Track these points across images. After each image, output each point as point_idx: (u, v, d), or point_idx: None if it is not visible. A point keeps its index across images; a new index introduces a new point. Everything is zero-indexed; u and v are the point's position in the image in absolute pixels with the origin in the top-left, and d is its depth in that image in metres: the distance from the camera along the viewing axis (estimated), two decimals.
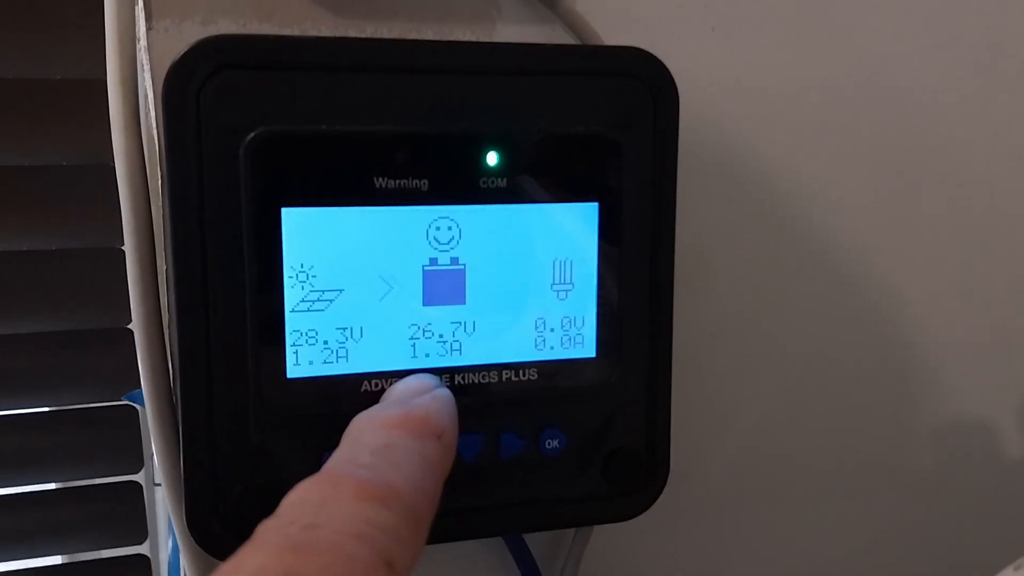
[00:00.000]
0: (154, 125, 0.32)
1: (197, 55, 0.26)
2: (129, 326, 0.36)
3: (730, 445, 0.42)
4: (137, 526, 0.41)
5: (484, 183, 0.29)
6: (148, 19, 0.32)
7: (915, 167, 0.42)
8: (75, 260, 0.35)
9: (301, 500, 0.20)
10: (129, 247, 0.31)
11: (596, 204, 0.30)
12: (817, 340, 0.42)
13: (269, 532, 0.19)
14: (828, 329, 0.42)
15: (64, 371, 0.36)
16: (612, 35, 0.36)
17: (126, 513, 0.41)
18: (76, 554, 0.44)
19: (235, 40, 0.27)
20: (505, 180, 0.29)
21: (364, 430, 0.23)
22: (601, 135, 0.30)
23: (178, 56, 0.26)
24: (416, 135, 0.28)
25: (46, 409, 0.39)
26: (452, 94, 0.28)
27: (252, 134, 0.27)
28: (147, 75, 0.32)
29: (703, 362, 0.40)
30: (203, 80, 0.26)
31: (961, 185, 0.43)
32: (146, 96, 0.32)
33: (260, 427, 0.28)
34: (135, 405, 0.38)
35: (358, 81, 0.28)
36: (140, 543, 0.42)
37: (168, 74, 0.26)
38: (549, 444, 0.30)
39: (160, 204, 0.31)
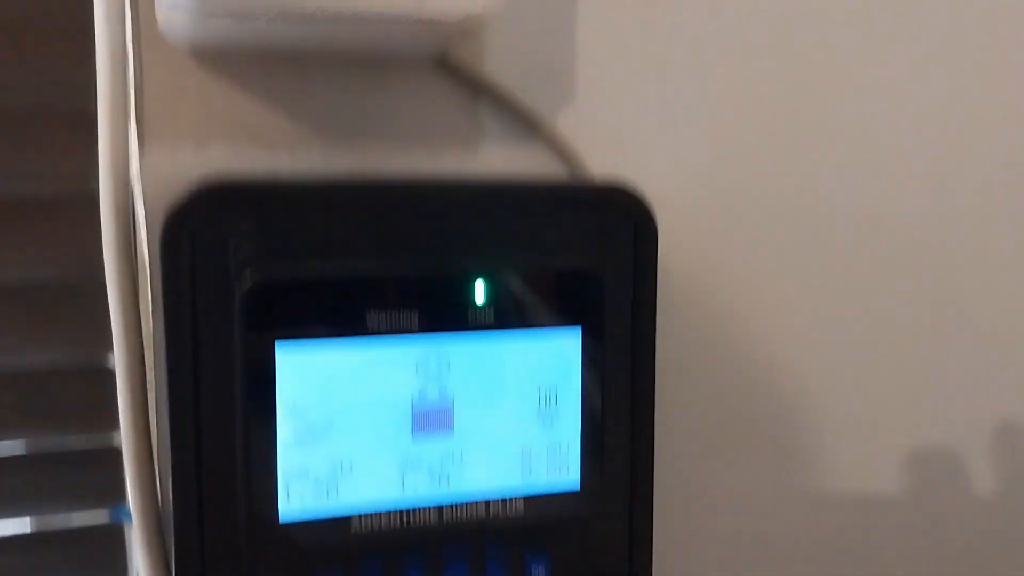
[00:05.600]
0: (144, 243, 0.32)
1: (192, 204, 0.27)
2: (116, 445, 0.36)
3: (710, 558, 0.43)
4: None
5: (472, 316, 0.30)
6: (141, 143, 0.32)
7: (889, 278, 0.43)
8: (63, 378, 0.35)
9: None
10: (120, 370, 0.31)
11: (579, 331, 0.31)
12: (784, 449, 0.43)
13: None
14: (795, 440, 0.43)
15: (48, 489, 0.36)
16: (594, 151, 0.37)
17: None
18: None
19: (229, 186, 0.28)
20: (492, 313, 0.30)
21: None
22: (586, 269, 0.31)
23: (174, 205, 0.27)
24: (407, 272, 0.29)
25: (32, 531, 0.39)
26: (442, 232, 0.29)
27: (246, 273, 0.27)
28: (138, 194, 0.32)
29: (682, 474, 0.41)
30: (198, 227, 0.27)
31: (924, 288, 0.44)
32: (135, 215, 0.32)
33: (252, 567, 0.28)
34: (123, 523, 0.38)
35: (350, 220, 0.28)
36: None
37: (165, 224, 0.27)
38: (535, 574, 0.31)
39: (149, 321, 0.32)
